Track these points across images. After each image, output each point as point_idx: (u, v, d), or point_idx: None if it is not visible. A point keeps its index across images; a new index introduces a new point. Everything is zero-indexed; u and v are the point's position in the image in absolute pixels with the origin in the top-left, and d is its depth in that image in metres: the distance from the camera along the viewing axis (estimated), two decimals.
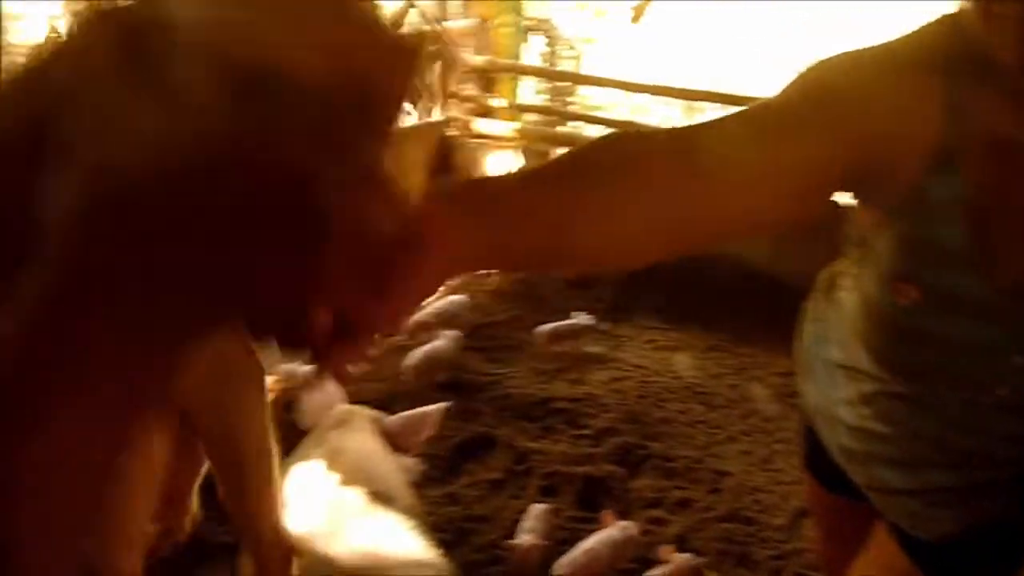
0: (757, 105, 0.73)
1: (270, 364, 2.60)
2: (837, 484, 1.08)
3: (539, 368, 2.96)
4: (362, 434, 2.13)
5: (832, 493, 1.15)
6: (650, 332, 3.29)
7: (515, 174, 0.66)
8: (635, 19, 5.61)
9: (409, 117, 4.79)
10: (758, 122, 0.71)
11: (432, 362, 2.75)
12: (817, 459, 1.11)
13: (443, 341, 2.81)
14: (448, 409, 2.46)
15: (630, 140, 0.69)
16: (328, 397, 2.38)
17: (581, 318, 3.08)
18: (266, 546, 0.58)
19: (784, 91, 0.73)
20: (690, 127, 0.75)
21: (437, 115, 4.31)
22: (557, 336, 3.03)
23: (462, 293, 3.28)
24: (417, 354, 2.74)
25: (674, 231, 0.67)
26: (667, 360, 3.10)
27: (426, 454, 2.44)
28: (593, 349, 3.08)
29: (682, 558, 2.03)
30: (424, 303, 3.15)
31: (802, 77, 0.74)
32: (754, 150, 0.67)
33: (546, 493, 2.36)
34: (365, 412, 2.13)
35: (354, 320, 0.46)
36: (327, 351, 0.45)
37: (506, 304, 3.38)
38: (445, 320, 2.98)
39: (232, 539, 2.05)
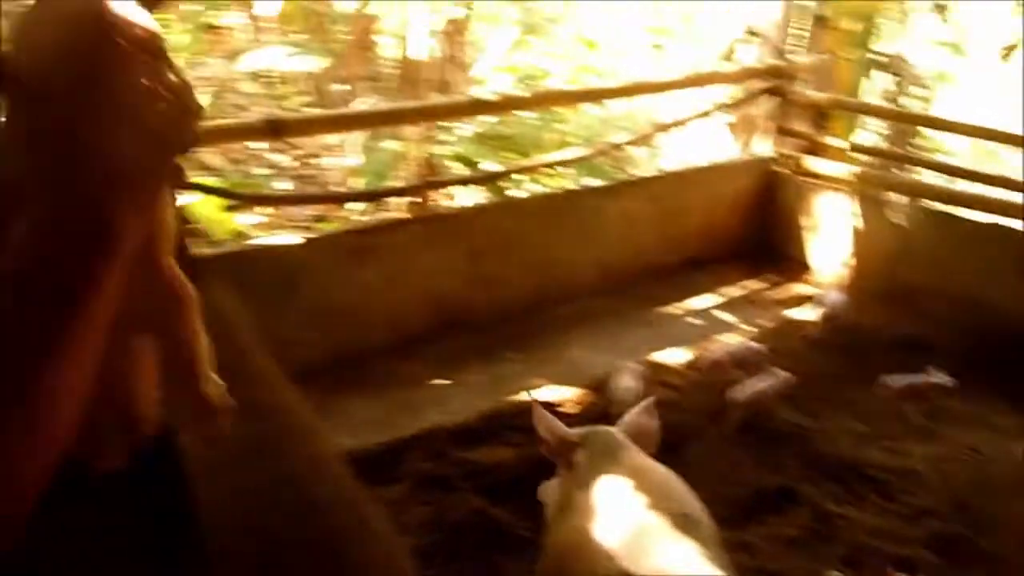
0: None
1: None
2: None
3: (853, 429, 2.78)
4: (642, 453, 2.14)
5: None
6: (987, 411, 2.93)
7: None
8: (1005, 57, 5.03)
9: (733, 148, 4.75)
10: None
11: (761, 397, 2.70)
12: None
13: (773, 380, 2.74)
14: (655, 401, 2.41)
15: None
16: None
17: (938, 376, 2.82)
18: (206, 411, 0.71)
19: None
20: None
21: (767, 150, 4.22)
22: (909, 392, 2.81)
23: (776, 339, 3.19)
24: (747, 389, 2.71)
25: None
26: (1006, 447, 2.73)
27: (722, 496, 2.41)
28: (917, 420, 2.82)
29: None
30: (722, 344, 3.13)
31: None
32: None
33: (848, 564, 2.22)
34: (612, 429, 2.15)
35: None
36: None
37: (823, 355, 3.20)
38: (738, 362, 2.92)
39: (530, 533, 2.21)
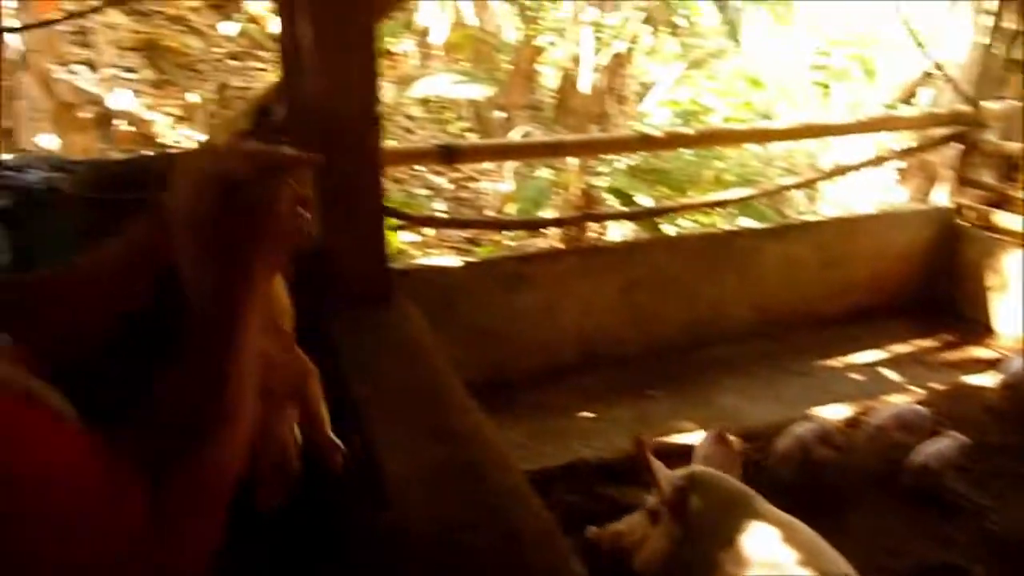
0: None
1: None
2: None
3: None
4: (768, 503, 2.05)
5: None
6: None
7: None
8: None
9: (901, 196, 4.50)
10: None
11: (936, 463, 2.52)
12: None
13: (950, 443, 2.55)
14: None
15: None
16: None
17: None
18: (329, 447, 0.97)
19: None
20: None
21: (944, 200, 3.96)
22: None
23: (948, 404, 2.97)
24: (921, 452, 2.54)
25: None
26: None
27: (883, 567, 2.26)
28: None
29: None
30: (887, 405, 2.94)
31: None
32: None
33: None
34: (712, 471, 2.06)
35: None
36: None
37: (1002, 426, 2.94)
38: (903, 426, 2.72)
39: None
